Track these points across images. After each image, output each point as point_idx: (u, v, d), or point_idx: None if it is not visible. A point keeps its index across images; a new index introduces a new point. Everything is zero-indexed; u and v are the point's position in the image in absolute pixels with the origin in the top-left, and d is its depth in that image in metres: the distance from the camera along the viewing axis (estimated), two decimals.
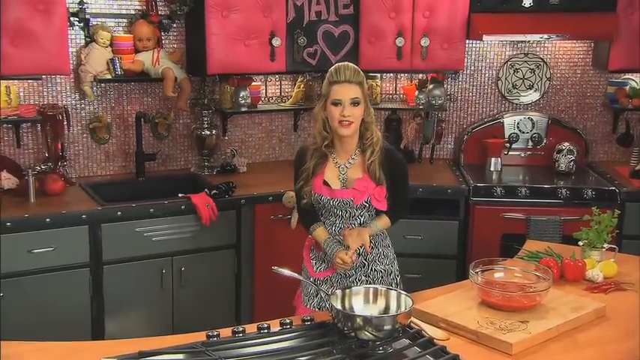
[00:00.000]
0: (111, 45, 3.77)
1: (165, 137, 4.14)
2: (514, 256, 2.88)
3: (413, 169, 4.35)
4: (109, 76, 3.76)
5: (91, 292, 3.39)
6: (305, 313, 2.63)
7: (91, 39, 3.77)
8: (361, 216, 2.66)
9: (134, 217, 3.42)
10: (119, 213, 3.39)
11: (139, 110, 3.97)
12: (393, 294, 2.22)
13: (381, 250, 2.74)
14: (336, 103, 2.52)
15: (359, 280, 2.69)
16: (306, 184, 2.64)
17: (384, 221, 2.69)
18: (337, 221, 2.67)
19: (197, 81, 4.11)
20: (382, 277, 2.72)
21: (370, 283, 2.68)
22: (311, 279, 2.72)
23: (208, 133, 4.08)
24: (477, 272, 2.41)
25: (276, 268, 2.32)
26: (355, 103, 2.52)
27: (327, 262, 2.71)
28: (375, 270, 2.71)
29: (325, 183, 2.63)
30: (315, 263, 2.76)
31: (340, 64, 2.57)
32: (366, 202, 2.61)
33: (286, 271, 2.35)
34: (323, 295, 2.23)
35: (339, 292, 2.21)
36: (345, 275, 2.69)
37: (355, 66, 2.57)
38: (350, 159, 2.63)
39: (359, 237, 2.61)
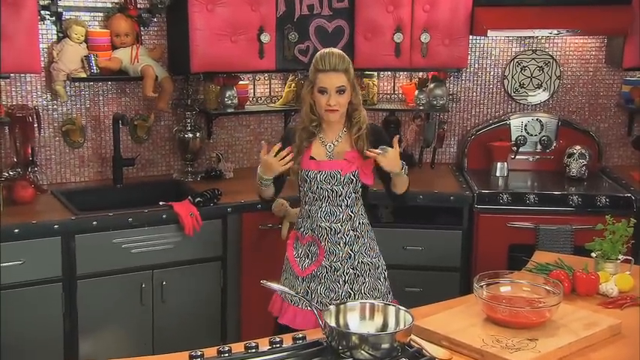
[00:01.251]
0: (86, 41, 3.76)
1: (144, 141, 4.14)
2: (522, 268, 2.89)
3: (413, 174, 4.32)
4: (83, 75, 3.75)
5: (64, 309, 3.37)
6: (288, 321, 2.75)
7: (63, 34, 3.75)
8: (348, 197, 2.79)
9: (111, 227, 3.41)
10: (95, 223, 3.38)
11: (116, 112, 3.96)
12: (391, 310, 2.21)
13: (366, 240, 2.85)
14: (322, 91, 2.72)
15: (346, 274, 2.80)
16: (294, 160, 2.77)
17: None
18: (323, 204, 2.79)
19: (179, 80, 4.11)
20: (370, 270, 2.83)
21: (358, 276, 2.80)
22: (299, 279, 2.83)
23: (192, 136, 4.07)
24: (481, 286, 2.40)
25: (265, 282, 2.31)
26: (341, 91, 2.72)
27: (311, 256, 2.82)
28: (362, 262, 2.83)
29: (312, 159, 2.79)
30: (300, 261, 2.87)
31: (325, 50, 2.77)
32: (353, 176, 2.76)
33: (276, 286, 2.34)
34: (315, 312, 2.22)
35: (332, 307, 2.21)
36: (332, 268, 2.80)
37: (340, 51, 2.76)
38: (337, 137, 2.82)
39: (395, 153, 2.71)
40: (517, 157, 4.42)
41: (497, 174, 4.34)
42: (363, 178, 2.79)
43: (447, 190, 4.04)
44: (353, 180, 2.78)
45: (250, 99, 4.33)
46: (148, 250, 3.49)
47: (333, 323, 2.13)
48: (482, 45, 4.53)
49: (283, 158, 2.73)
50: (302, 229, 2.87)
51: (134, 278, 3.48)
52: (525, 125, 4.46)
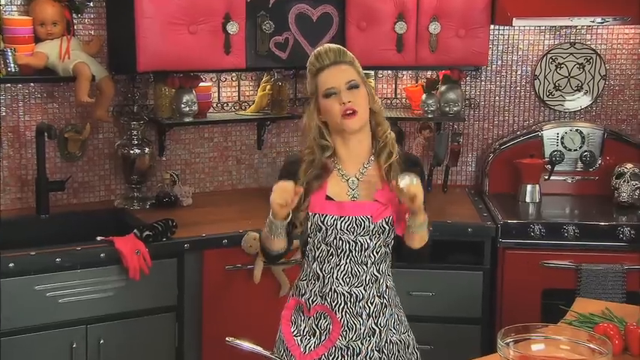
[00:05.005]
0: (0, 31, 3.74)
1: (78, 158, 4.12)
2: (559, 320, 2.87)
3: None
4: None
5: None
6: None
7: None
8: (377, 251, 2.63)
9: (33, 270, 3.37)
10: (11, 265, 3.33)
11: (41, 121, 3.94)
12: None
13: (394, 310, 2.73)
14: (329, 94, 2.60)
15: (370, 358, 2.65)
16: (301, 207, 2.62)
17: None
18: (342, 261, 2.63)
19: (123, 81, 4.11)
20: (399, 352, 2.70)
21: None
22: None
23: (139, 152, 4.07)
24: (508, 343, 2.38)
25: (231, 339, 2.30)
26: (353, 86, 2.60)
27: (319, 334, 2.65)
28: (389, 342, 2.69)
29: (329, 199, 2.64)
30: (302, 340, 2.69)
31: (319, 47, 2.68)
32: (387, 224, 2.62)
33: (245, 344, 2.33)
34: None
35: None
36: (349, 350, 2.64)
37: (339, 45, 2.69)
38: (362, 168, 2.68)
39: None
40: (552, 177, 4.43)
41: (527, 199, 4.35)
42: (399, 228, 2.63)
43: (464, 219, 4.04)
44: (386, 229, 2.63)
45: (214, 105, 4.33)
46: (81, 299, 3.45)
47: None
48: (506, 37, 4.56)
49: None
50: (307, 295, 2.68)
51: (63, 335, 3.44)
52: (562, 137, 4.48)
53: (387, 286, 2.71)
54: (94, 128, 4.10)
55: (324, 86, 2.61)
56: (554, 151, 4.46)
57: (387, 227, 2.63)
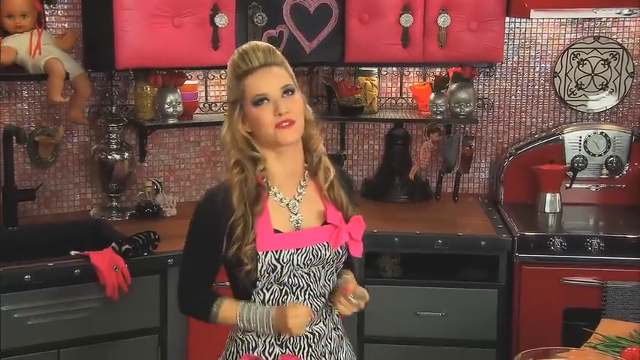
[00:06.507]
0: None
1: (50, 164, 4.13)
2: (582, 343, 2.85)
3: (428, 209, 4.43)
4: None
5: None
6: None
7: None
8: (329, 279, 2.57)
9: None
10: None
11: (8, 123, 3.95)
12: None
13: (347, 340, 2.71)
14: (259, 102, 2.44)
15: None
16: (246, 240, 2.45)
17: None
18: (300, 297, 2.53)
19: (100, 79, 4.12)
20: None
21: None
22: None
23: (118, 157, 4.07)
24: None
25: None
26: (289, 91, 2.46)
27: None
28: None
29: (277, 232, 2.51)
30: None
31: (244, 46, 2.52)
32: (341, 248, 2.53)
33: None
34: None
35: None
36: None
37: (266, 43, 2.55)
38: (299, 187, 2.56)
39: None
40: (574, 185, 4.42)
41: (547, 209, 4.34)
42: (353, 249, 2.55)
43: (477, 231, 4.03)
44: (340, 254, 2.55)
45: (201, 105, 4.35)
46: (52, 321, 3.43)
47: None
48: (523, 30, 4.56)
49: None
50: (261, 348, 2.55)
51: None
52: (585, 141, 4.47)
53: (337, 316, 2.66)
54: (68, 131, 4.12)
55: (254, 92, 2.44)
56: (576, 157, 4.45)
57: (342, 252, 2.55)
